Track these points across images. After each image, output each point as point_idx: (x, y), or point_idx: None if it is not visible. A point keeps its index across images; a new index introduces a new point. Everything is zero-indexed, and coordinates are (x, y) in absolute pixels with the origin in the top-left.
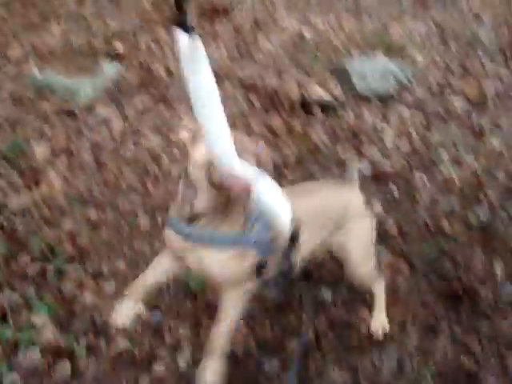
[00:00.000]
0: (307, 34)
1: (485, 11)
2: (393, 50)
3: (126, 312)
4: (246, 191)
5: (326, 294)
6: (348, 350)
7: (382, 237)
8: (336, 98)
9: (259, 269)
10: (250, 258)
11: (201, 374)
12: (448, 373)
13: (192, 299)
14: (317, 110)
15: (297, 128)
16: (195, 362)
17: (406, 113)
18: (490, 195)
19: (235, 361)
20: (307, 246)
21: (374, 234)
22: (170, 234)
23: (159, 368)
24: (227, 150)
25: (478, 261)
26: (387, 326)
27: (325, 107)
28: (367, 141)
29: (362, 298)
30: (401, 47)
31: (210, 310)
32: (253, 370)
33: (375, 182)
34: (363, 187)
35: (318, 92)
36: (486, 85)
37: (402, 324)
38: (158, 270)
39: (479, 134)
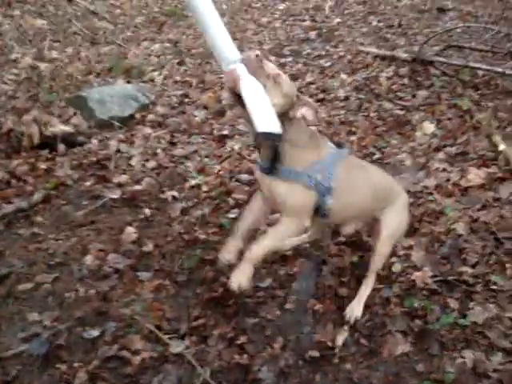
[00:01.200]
0: (43, 68)
1: None
2: (132, 74)
3: (231, 249)
4: (235, 80)
5: (93, 332)
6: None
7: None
8: (78, 130)
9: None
10: (311, 197)
11: (232, 276)
12: (224, 371)
13: None
14: (60, 145)
15: (41, 167)
16: None
17: (149, 133)
18: (236, 197)
19: None
20: (352, 207)
21: (405, 226)
22: (256, 172)
23: None
24: (229, 54)
25: None
26: (359, 315)
27: (68, 140)
28: (114, 166)
29: (135, 330)
30: (140, 70)
31: None
32: None
33: (127, 204)
34: (115, 212)
35: (58, 126)
36: (222, 95)
37: (178, 339)
38: (253, 209)
39: (219, 140)
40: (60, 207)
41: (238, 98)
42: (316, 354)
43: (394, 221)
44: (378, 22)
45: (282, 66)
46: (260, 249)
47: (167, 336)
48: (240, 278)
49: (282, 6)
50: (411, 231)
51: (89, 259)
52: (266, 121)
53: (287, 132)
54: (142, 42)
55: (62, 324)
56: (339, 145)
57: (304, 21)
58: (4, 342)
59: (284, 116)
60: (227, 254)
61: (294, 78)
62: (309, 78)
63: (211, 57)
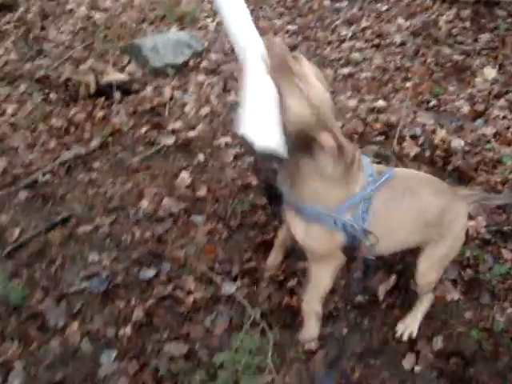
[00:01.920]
0: (98, 17)
1: None
2: (186, 22)
3: (273, 260)
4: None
5: (149, 273)
6: (179, 322)
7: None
8: (133, 78)
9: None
10: (338, 239)
11: (300, 335)
12: (274, 313)
13: (15, 314)
14: (115, 93)
15: (98, 115)
16: (30, 378)
17: (203, 80)
18: None
19: (72, 358)
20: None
21: (455, 250)
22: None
23: None
24: (251, 42)
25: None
26: (413, 334)
27: (123, 88)
28: (169, 113)
29: (189, 271)
30: (193, 17)
31: (37, 321)
32: (90, 366)
33: (181, 150)
34: (170, 158)
35: (114, 74)
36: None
37: (230, 281)
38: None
39: None
40: (116, 153)
41: None
42: (364, 299)
43: (442, 250)
44: None
45: (336, 11)
46: (310, 309)
47: (219, 277)
48: (308, 335)
49: None
50: (466, 181)
51: (144, 203)
52: (259, 126)
53: (316, 161)
54: None
55: (119, 264)
56: (384, 157)
57: None
58: (67, 279)
59: (312, 139)
60: (270, 264)
61: (349, 22)
62: (364, 23)
63: (264, 2)
